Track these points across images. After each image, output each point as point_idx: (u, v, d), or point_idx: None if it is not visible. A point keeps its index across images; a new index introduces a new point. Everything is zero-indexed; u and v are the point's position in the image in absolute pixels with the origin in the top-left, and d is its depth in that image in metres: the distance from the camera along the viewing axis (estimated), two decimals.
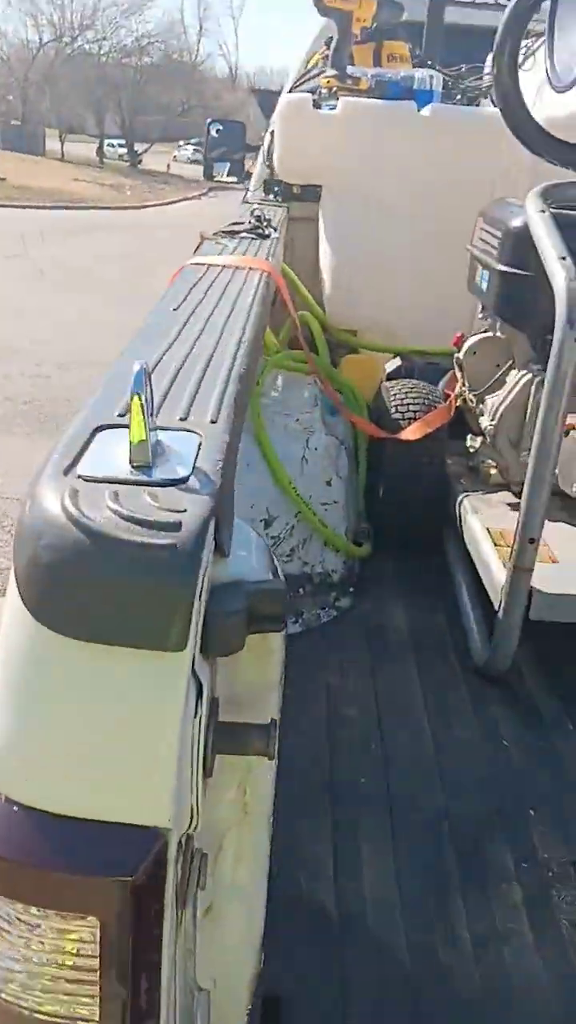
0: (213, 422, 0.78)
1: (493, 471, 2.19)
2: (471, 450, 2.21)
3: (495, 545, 1.90)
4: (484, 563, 1.89)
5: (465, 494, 2.16)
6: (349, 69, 2.71)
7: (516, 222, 1.94)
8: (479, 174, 2.73)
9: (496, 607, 1.79)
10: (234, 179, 4.16)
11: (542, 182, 2.53)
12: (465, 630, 1.98)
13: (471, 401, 2.26)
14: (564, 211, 1.89)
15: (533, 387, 2.03)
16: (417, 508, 2.30)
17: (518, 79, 1.83)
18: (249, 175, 3.99)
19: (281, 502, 2.12)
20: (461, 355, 2.28)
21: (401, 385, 2.38)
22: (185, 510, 0.59)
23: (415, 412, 2.27)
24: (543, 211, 1.77)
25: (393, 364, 2.70)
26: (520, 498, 2.13)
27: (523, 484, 2.13)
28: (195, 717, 0.59)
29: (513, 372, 2.14)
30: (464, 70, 3.23)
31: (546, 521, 1.73)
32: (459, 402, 2.32)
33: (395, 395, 2.34)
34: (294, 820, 1.43)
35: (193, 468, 0.66)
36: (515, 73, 1.81)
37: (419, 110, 2.79)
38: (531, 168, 2.65)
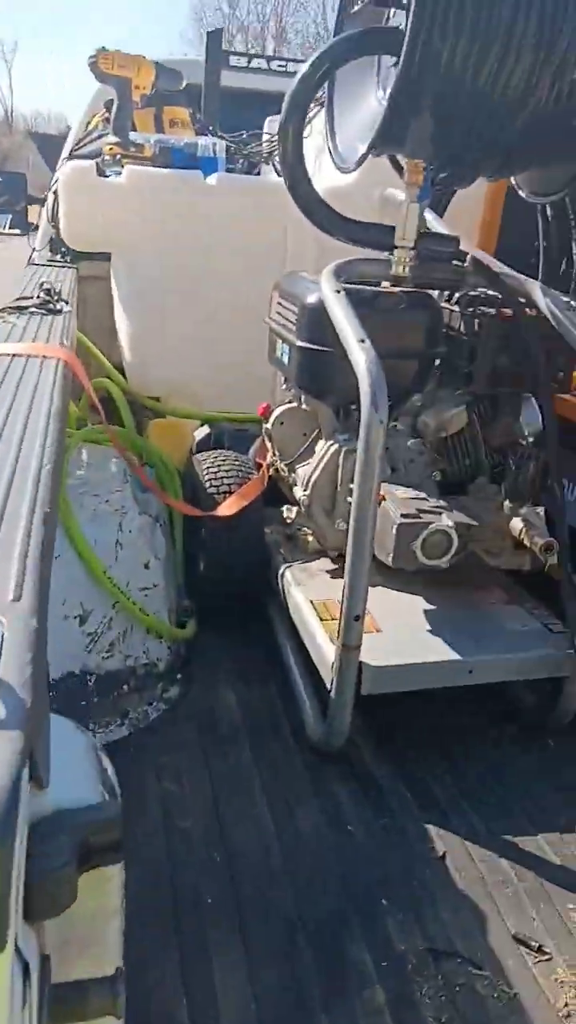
0: (16, 600, 0.68)
1: (310, 539, 2.20)
2: (288, 520, 2.20)
3: (320, 619, 1.90)
4: (312, 639, 1.87)
5: (287, 565, 2.14)
6: (131, 135, 2.66)
7: (311, 299, 1.97)
8: (268, 240, 2.79)
9: (328, 684, 1.77)
10: (17, 231, 4.02)
11: (329, 248, 2.63)
12: (299, 706, 1.95)
13: (283, 471, 2.26)
14: (357, 286, 1.96)
15: (341, 457, 2.07)
16: (239, 581, 2.26)
17: (303, 161, 1.87)
18: (31, 225, 3.85)
19: (96, 594, 1.99)
20: (269, 425, 2.28)
21: (213, 457, 2.34)
22: None
23: (230, 485, 2.23)
24: (338, 291, 1.80)
25: (201, 432, 2.66)
26: (337, 564, 2.17)
27: (340, 550, 2.19)
28: (23, 1007, 0.49)
29: (321, 442, 2.16)
30: (245, 136, 3.30)
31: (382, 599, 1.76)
32: (271, 471, 2.31)
33: (208, 468, 2.29)
34: (135, 947, 1.31)
35: None
36: (300, 154, 1.85)
37: (205, 178, 2.81)
38: (316, 236, 2.75)
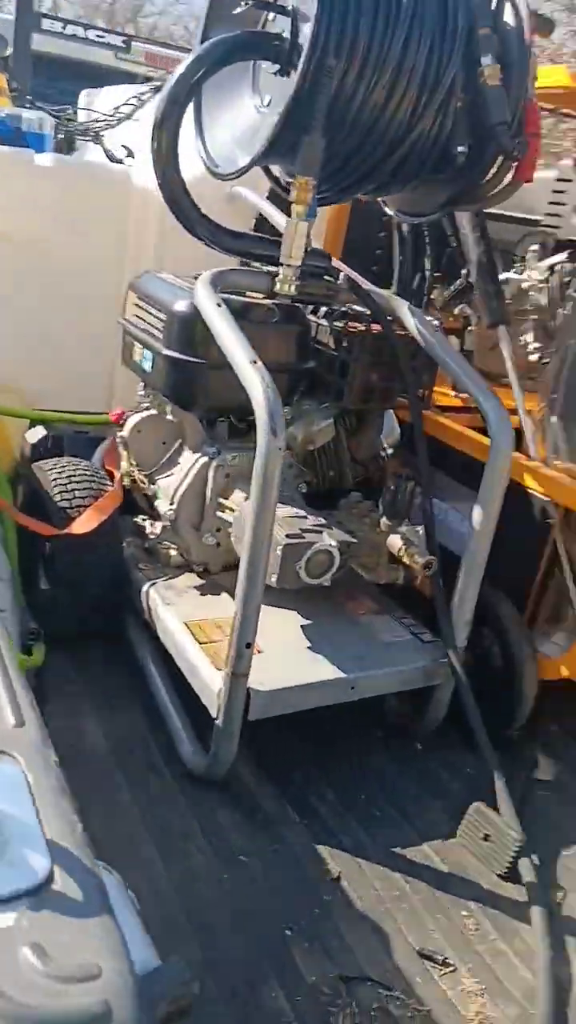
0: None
1: (173, 553, 2.11)
2: (150, 535, 2.09)
3: (199, 643, 1.83)
4: (190, 665, 1.79)
5: (150, 583, 2.03)
6: None
7: (181, 307, 1.87)
8: (109, 232, 2.62)
9: (213, 712, 1.71)
10: None
11: (172, 243, 2.53)
12: (172, 735, 1.87)
13: (142, 481, 2.14)
14: (227, 296, 1.88)
15: (211, 471, 1.99)
16: (93, 599, 2.11)
17: (179, 169, 1.75)
18: None
19: None
20: (126, 434, 2.14)
21: (60, 466, 2.15)
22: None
23: (84, 497, 2.07)
24: (219, 305, 1.72)
25: (35, 435, 2.44)
26: (204, 578, 2.09)
27: (206, 565, 2.12)
28: None
29: (186, 453, 2.07)
30: (71, 110, 3.07)
31: None
32: (127, 482, 2.18)
33: (56, 478, 2.10)
34: None
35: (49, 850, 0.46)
36: (176, 160, 1.73)
37: (34, 156, 2.58)
38: (159, 228, 2.62)
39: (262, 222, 2.48)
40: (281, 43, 1.67)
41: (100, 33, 3.74)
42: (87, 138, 2.97)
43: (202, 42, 1.92)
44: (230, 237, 1.86)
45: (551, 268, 2.63)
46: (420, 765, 1.98)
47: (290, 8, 1.67)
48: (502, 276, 2.44)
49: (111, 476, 2.21)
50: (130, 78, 4.04)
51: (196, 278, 2.06)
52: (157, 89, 2.83)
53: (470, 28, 1.67)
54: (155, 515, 2.16)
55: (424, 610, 2.03)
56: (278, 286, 1.73)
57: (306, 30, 1.62)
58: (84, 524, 1.99)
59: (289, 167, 1.74)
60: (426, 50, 1.62)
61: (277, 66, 1.71)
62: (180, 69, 1.66)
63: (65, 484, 2.08)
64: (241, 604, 1.60)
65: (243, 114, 1.83)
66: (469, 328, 2.57)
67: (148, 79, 4.19)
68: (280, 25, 1.70)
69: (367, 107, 1.64)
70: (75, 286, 2.60)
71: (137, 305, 2.06)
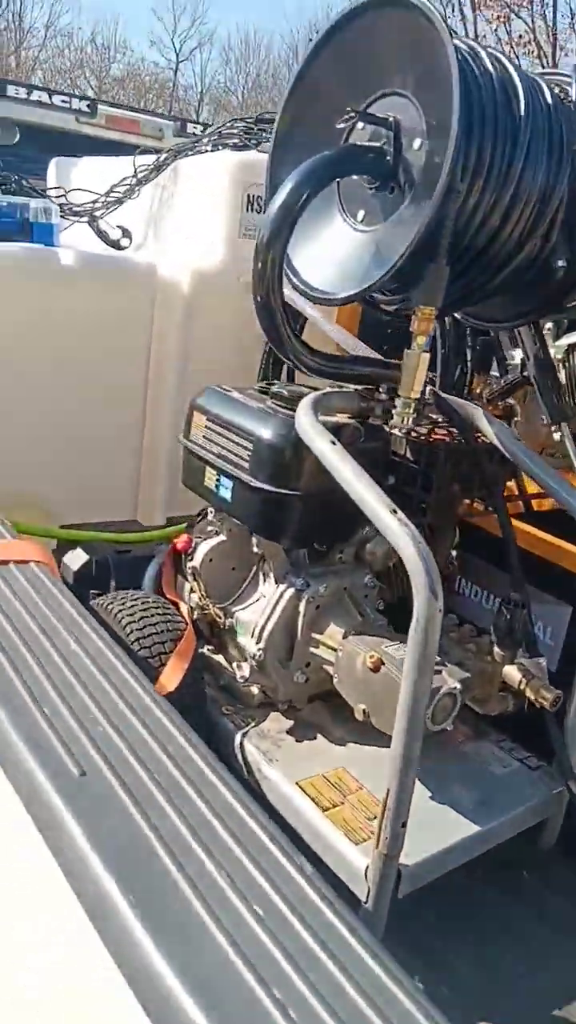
0: None
1: (256, 691, 1.93)
2: (241, 678, 1.90)
3: (322, 810, 1.66)
4: (321, 839, 1.62)
5: (242, 733, 1.85)
6: None
7: (271, 436, 1.72)
8: (132, 328, 2.43)
9: (355, 889, 1.55)
10: None
11: (197, 338, 2.37)
12: None
13: (217, 615, 1.96)
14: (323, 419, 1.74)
15: (302, 604, 1.84)
16: None
17: (283, 293, 1.60)
18: None
19: None
20: (197, 564, 1.96)
21: (128, 605, 1.93)
22: None
23: (163, 642, 1.87)
24: (334, 442, 1.57)
25: (77, 560, 2.22)
26: (291, 717, 1.92)
27: (290, 702, 1.95)
28: None
29: (268, 584, 1.91)
30: (64, 192, 2.85)
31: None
32: (198, 614, 2.00)
33: (127, 622, 1.88)
34: None
35: None
36: (280, 286, 1.58)
37: (57, 254, 2.37)
38: (184, 323, 2.46)
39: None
40: (382, 157, 1.56)
41: (64, 98, 3.53)
42: (80, 219, 2.76)
43: (275, 151, 1.79)
44: (328, 362, 1.72)
45: (570, 347, 2.60)
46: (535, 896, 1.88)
47: (390, 120, 1.56)
48: (514, 354, 2.39)
49: (175, 606, 2.02)
50: (92, 143, 3.84)
51: (264, 392, 1.93)
52: (159, 166, 2.66)
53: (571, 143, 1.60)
54: (228, 647, 1.98)
55: (512, 722, 1.93)
56: (396, 419, 1.60)
57: (415, 144, 1.51)
58: (172, 677, 1.79)
59: (414, 300, 1.59)
60: (542, 169, 1.54)
61: (375, 181, 1.60)
62: (285, 191, 1.51)
63: (140, 628, 1.86)
64: (396, 785, 1.45)
65: (334, 232, 1.70)
66: (516, 419, 2.50)
67: (117, 144, 4.00)
68: (373, 136, 1.59)
69: (484, 230, 1.54)
70: (97, 387, 2.40)
71: (208, 427, 1.88)
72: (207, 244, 2.47)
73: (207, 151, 2.62)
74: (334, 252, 1.68)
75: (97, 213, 2.79)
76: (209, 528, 2.03)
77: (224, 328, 2.53)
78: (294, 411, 1.78)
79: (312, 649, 1.87)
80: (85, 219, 2.79)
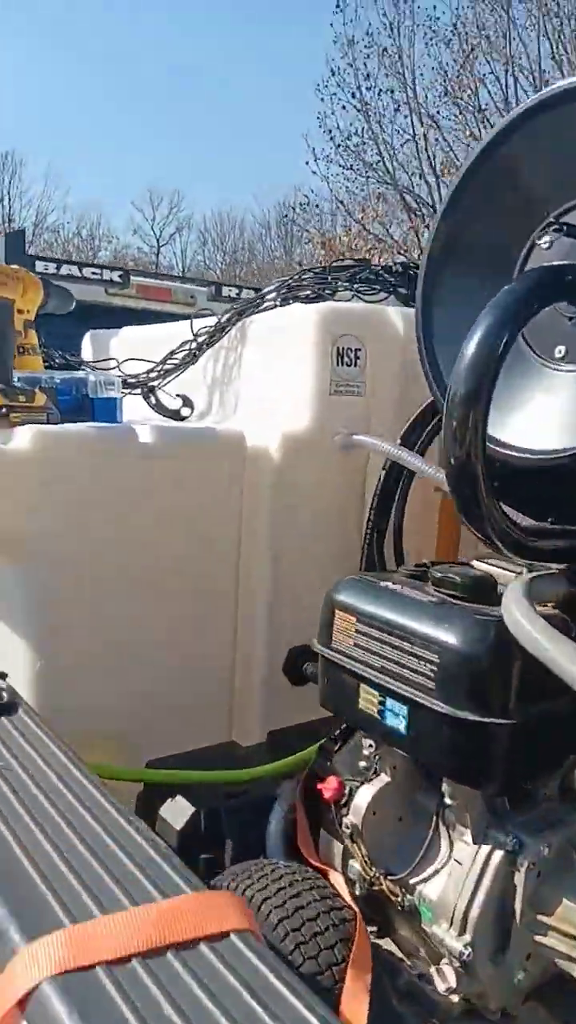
0: None
1: (456, 999, 1.37)
2: (448, 990, 1.35)
3: None
4: None
5: None
6: (22, 376, 1.79)
7: (466, 643, 1.27)
8: (221, 509, 2.04)
9: None
10: None
11: (282, 508, 1.98)
12: None
13: (392, 893, 1.42)
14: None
15: (520, 874, 1.32)
16: None
17: (485, 456, 1.20)
18: None
19: None
20: (358, 821, 1.45)
21: (266, 886, 1.40)
22: None
23: (331, 946, 1.31)
24: (562, 642, 1.12)
25: (180, 813, 1.69)
26: None
27: (504, 1012, 1.40)
28: None
29: (462, 846, 1.39)
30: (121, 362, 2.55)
31: None
32: (363, 888, 1.47)
33: (275, 916, 1.35)
34: None
35: None
36: (483, 446, 1.18)
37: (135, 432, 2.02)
38: (273, 496, 2.07)
39: None
40: None
41: (95, 270, 3.36)
42: (135, 392, 2.45)
43: (427, 282, 1.46)
44: (531, 536, 1.30)
45: None
46: None
47: None
48: None
49: (323, 875, 1.49)
50: (122, 313, 3.65)
51: (420, 576, 1.50)
52: (222, 328, 2.38)
53: None
54: (403, 932, 1.44)
55: None
56: None
57: None
58: (358, 1012, 1.24)
59: None
60: None
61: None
62: (481, 334, 1.14)
63: (298, 927, 1.32)
64: None
65: (524, 374, 1.33)
66: None
67: (148, 313, 3.82)
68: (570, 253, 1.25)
69: None
70: (182, 585, 1.97)
71: (362, 632, 1.43)
72: (292, 404, 2.13)
73: (275, 307, 2.34)
74: (529, 399, 1.30)
75: (153, 383, 2.48)
76: (361, 764, 1.54)
77: (320, 495, 2.15)
78: (476, 602, 1.36)
79: (538, 937, 1.33)
80: (140, 391, 2.48)
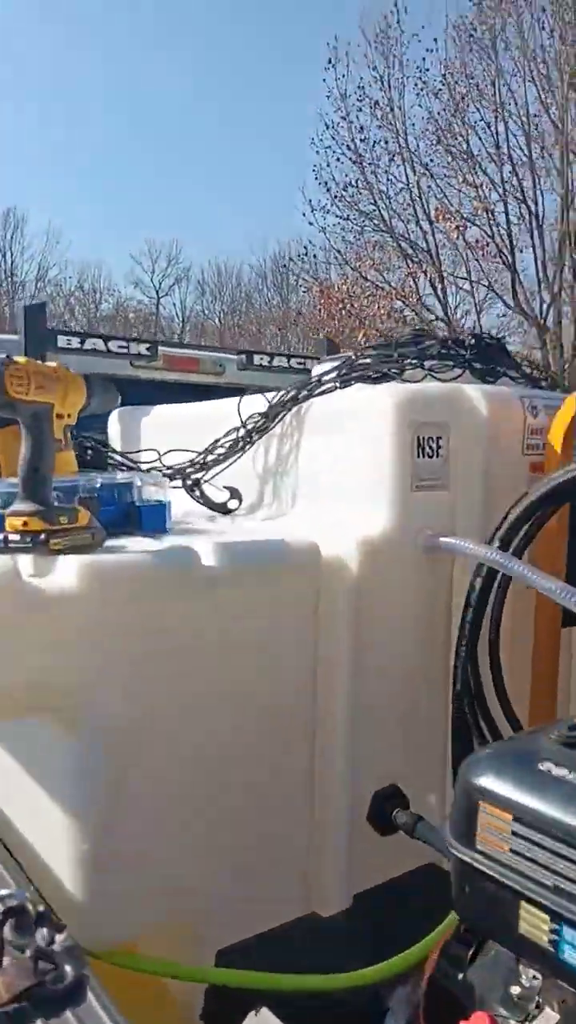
0: None
1: None
2: None
3: None
4: None
5: None
6: (57, 483, 1.49)
7: None
8: (296, 639, 1.72)
9: None
10: None
11: (367, 624, 1.67)
12: None
13: None
14: None
15: None
16: None
17: None
18: None
19: None
20: None
21: None
22: None
23: None
24: None
25: None
26: None
27: None
28: None
29: None
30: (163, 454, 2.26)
31: None
32: None
33: None
34: None
35: None
36: None
37: (163, 533, 1.72)
38: (354, 618, 1.76)
39: None
40: None
41: (122, 343, 3.10)
42: (175, 485, 2.15)
43: None
44: None
45: None
46: None
47: None
48: None
49: None
50: (151, 385, 3.38)
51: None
52: (275, 413, 2.09)
53: None
54: None
55: None
56: None
57: None
58: None
59: None
60: None
61: None
62: None
63: None
64: None
65: None
66: None
67: (174, 385, 3.55)
68: None
69: None
70: (253, 735, 1.64)
71: (521, 835, 1.11)
72: (367, 503, 1.84)
73: (335, 388, 2.06)
74: None
75: (197, 475, 2.19)
76: (513, 990, 1.20)
77: (404, 608, 1.85)
78: None
79: None
80: (182, 484, 2.19)
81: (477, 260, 18.52)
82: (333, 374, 2.09)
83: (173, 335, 30.39)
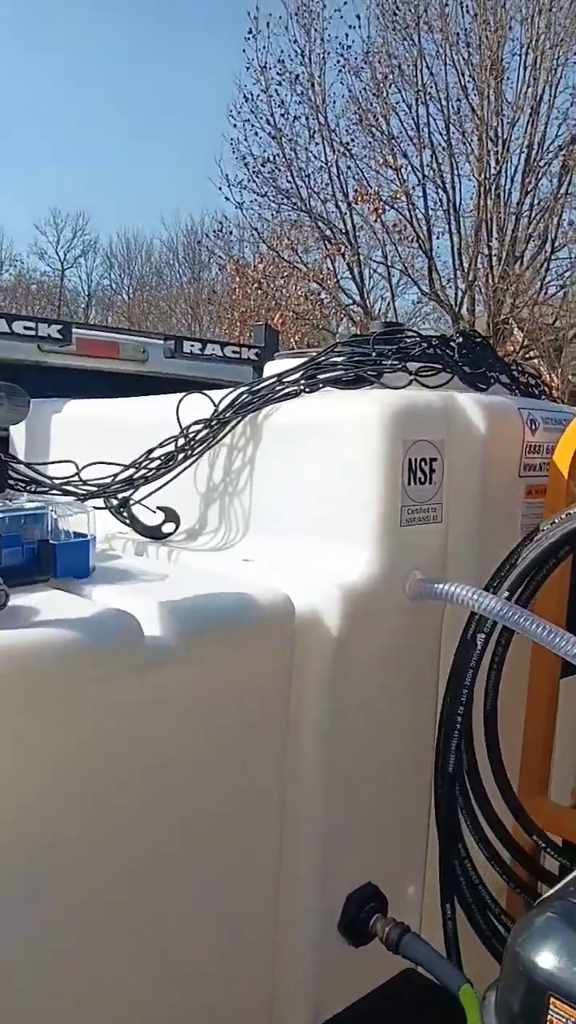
0: None
1: None
2: None
3: None
4: None
5: None
6: None
7: None
8: (270, 721, 1.35)
9: None
10: None
11: (339, 698, 1.34)
12: None
13: None
14: None
15: None
16: None
17: None
18: None
19: None
20: None
21: None
22: None
23: None
24: None
25: None
26: None
27: None
28: None
29: None
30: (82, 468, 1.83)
31: None
32: None
33: None
34: None
35: None
36: None
37: (85, 577, 1.32)
38: (331, 688, 1.41)
39: None
40: None
41: (29, 324, 2.61)
42: (101, 507, 1.74)
43: None
44: None
45: None
46: None
47: None
48: None
49: None
50: (63, 374, 2.91)
51: None
52: (224, 420, 1.70)
53: None
54: None
55: None
56: None
57: None
58: None
59: None
60: None
61: None
62: None
63: None
64: None
65: None
66: None
67: (87, 373, 3.08)
68: None
69: None
70: (207, 842, 1.27)
71: None
72: (345, 539, 1.48)
73: (300, 392, 1.69)
74: None
75: (124, 493, 1.78)
76: None
77: (388, 670, 1.51)
78: None
79: None
80: (105, 503, 1.77)
81: (394, 244, 18.40)
82: (296, 375, 1.71)
83: (78, 309, 29.13)
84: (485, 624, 1.47)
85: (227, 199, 19.22)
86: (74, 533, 1.40)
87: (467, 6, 16.17)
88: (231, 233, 20.17)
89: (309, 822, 1.40)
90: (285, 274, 18.96)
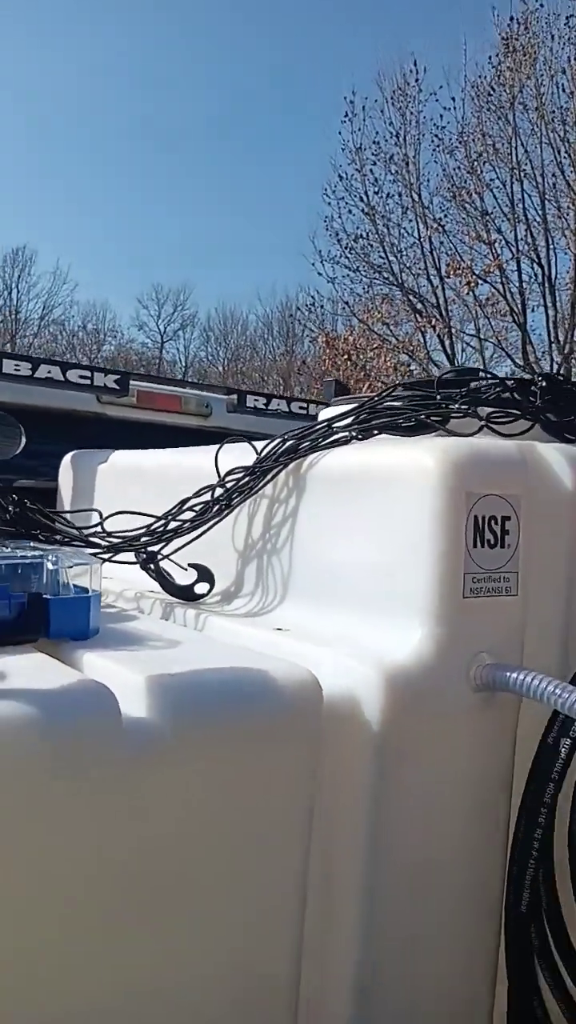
0: None
1: None
2: None
3: None
4: None
5: None
6: None
7: None
8: (286, 827, 1.08)
9: None
10: None
11: (383, 811, 1.03)
12: None
13: None
14: None
15: None
16: None
17: None
18: None
19: None
20: None
21: None
22: None
23: None
24: None
25: None
26: None
27: None
28: None
29: None
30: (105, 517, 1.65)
31: None
32: None
33: None
34: None
35: None
36: None
37: (82, 640, 1.10)
38: (366, 793, 1.12)
39: None
40: None
41: (84, 372, 2.52)
42: (134, 560, 1.54)
43: None
44: None
45: None
46: None
47: None
48: None
49: None
50: (123, 427, 2.79)
51: None
52: (265, 469, 1.49)
53: None
54: None
55: None
56: None
57: None
58: None
59: None
60: None
61: None
62: None
63: None
64: None
65: None
66: None
67: (149, 427, 2.96)
68: None
69: None
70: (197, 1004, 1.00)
71: None
72: (397, 612, 1.22)
73: (351, 439, 1.46)
74: None
75: (154, 547, 1.58)
76: None
77: (447, 779, 1.21)
78: None
79: None
80: (135, 557, 1.57)
81: (487, 317, 18.26)
82: (348, 419, 1.49)
83: (175, 378, 30.09)
84: (572, 726, 1.17)
85: (320, 274, 19.57)
86: (75, 587, 1.20)
87: (562, 85, 16.25)
88: (323, 307, 20.50)
89: (339, 970, 1.11)
90: (375, 346, 19.05)
